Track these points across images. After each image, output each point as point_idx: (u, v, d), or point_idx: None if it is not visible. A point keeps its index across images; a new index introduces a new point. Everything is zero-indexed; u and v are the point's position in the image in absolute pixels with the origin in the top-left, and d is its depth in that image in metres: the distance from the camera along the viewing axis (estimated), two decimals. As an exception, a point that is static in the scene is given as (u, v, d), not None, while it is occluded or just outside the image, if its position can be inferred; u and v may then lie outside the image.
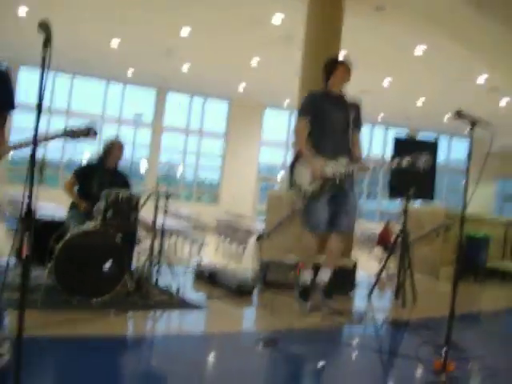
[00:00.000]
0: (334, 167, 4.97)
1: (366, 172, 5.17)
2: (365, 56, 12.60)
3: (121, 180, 6.33)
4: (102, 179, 6.02)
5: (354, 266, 7.49)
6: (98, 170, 6.15)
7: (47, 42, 2.67)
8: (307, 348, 4.81)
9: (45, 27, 2.71)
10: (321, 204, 5.06)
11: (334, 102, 5.12)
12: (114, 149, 6.27)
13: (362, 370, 4.44)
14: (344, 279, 7.24)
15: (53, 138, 3.43)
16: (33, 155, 2.73)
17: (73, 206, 6.06)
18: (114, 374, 3.81)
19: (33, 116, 2.70)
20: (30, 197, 2.70)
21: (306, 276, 5.43)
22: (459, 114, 3.76)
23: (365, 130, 22.36)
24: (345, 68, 5.12)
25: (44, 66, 2.64)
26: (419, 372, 4.28)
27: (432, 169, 7.08)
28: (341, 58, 5.46)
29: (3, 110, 3.52)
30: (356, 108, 5.21)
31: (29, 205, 2.71)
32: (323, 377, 4.29)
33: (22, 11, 12.36)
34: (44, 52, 2.66)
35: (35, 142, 2.73)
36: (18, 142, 3.38)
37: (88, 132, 3.50)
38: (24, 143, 3.37)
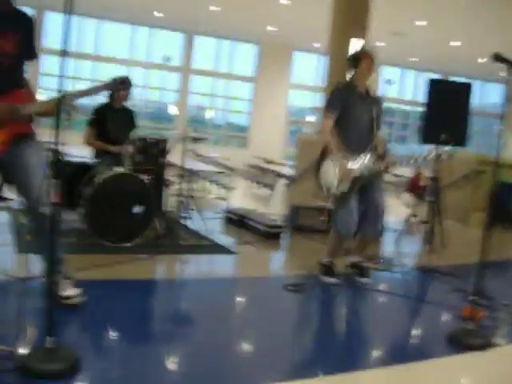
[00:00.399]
0: (361, 165, 4.79)
1: (394, 168, 4.94)
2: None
3: (128, 117, 6.28)
4: (114, 120, 6.00)
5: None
6: (108, 112, 6.08)
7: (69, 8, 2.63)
8: (334, 293, 4.85)
9: None
10: (350, 208, 4.83)
11: (359, 97, 4.96)
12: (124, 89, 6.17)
13: (388, 316, 4.46)
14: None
15: (98, 91, 3.46)
16: (59, 102, 2.71)
17: (100, 150, 6.07)
18: (146, 316, 3.90)
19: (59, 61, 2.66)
20: (56, 143, 2.69)
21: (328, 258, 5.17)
22: (497, 57, 3.63)
23: (396, 74, 22.07)
24: (369, 61, 4.93)
25: (67, 11, 2.59)
26: (447, 319, 4.29)
27: (465, 114, 6.92)
28: (364, 49, 5.18)
29: (27, 58, 3.47)
30: (378, 103, 5.07)
31: (56, 151, 2.71)
32: (349, 321, 4.33)
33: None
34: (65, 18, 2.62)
35: (61, 87, 2.69)
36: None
37: (125, 82, 3.52)
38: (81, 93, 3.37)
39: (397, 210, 9.60)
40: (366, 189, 4.86)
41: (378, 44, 17.35)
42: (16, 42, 3.30)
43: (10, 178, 3.47)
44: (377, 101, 5.08)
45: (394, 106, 23.22)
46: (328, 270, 5.04)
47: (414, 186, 11.90)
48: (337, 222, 4.93)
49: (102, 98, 6.15)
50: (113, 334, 3.41)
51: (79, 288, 3.62)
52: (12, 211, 6.25)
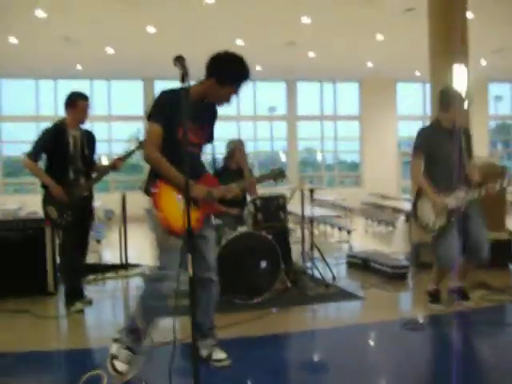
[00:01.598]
0: (455, 198, 4.90)
1: (491, 191, 4.85)
2: (493, 17, 12.03)
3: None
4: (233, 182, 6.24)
5: (510, 237, 7.23)
6: (224, 174, 6.33)
7: (185, 77, 3.05)
8: (466, 329, 4.78)
9: (181, 62, 3.01)
10: (450, 239, 4.95)
11: (445, 133, 5.04)
12: (236, 151, 6.43)
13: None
14: (500, 252, 7.01)
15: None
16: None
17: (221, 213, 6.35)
18: (284, 370, 4.03)
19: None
20: (188, 219, 2.95)
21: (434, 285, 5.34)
22: None
23: (505, 89, 21.33)
24: (458, 106, 5.02)
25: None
26: None
27: None
28: (452, 94, 5.14)
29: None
30: (466, 135, 5.12)
31: (189, 227, 2.98)
32: (484, 359, 4.25)
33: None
34: (183, 84, 3.07)
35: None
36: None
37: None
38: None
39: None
40: (464, 220, 4.96)
41: (482, 62, 17.01)
42: (208, 133, 3.91)
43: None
44: (465, 133, 5.12)
45: (508, 122, 22.45)
46: (434, 297, 5.29)
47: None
48: (439, 255, 5.07)
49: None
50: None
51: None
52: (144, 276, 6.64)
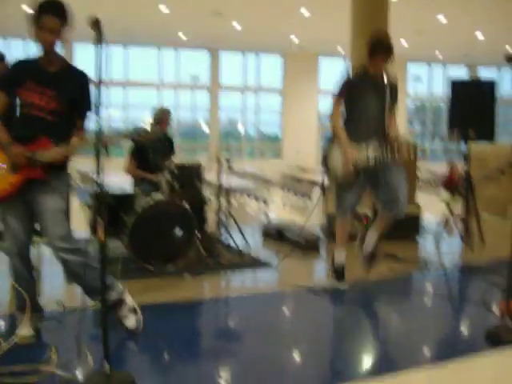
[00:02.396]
0: (366, 153, 4.78)
1: (403, 154, 4.79)
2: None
3: (168, 145, 6.55)
4: (154, 148, 6.25)
5: (419, 211, 7.52)
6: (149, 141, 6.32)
7: (99, 40, 2.94)
8: (375, 298, 4.98)
9: (98, 25, 2.93)
10: (352, 191, 4.94)
11: (368, 82, 4.90)
12: (164, 117, 6.43)
13: (426, 315, 4.57)
14: (409, 225, 7.31)
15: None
16: (99, 136, 2.93)
17: (139, 179, 6.31)
18: (196, 336, 4.08)
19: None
20: (99, 184, 2.92)
21: (340, 256, 5.18)
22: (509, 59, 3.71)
23: (423, 70, 21.97)
24: (384, 56, 4.80)
25: (99, 57, 2.84)
26: (485, 316, 4.36)
27: (491, 109, 7.00)
28: (381, 41, 4.85)
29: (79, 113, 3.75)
30: (393, 87, 4.95)
31: (100, 188, 2.94)
32: (389, 324, 4.44)
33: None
34: (96, 49, 2.91)
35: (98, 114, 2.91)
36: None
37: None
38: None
39: (434, 207, 9.64)
40: (373, 174, 4.88)
41: (402, 43, 17.42)
42: (62, 100, 3.60)
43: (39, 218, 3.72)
44: (392, 84, 4.96)
45: (425, 103, 23.14)
46: (338, 274, 5.15)
47: (449, 181, 11.86)
48: (339, 204, 5.06)
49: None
50: (165, 356, 3.60)
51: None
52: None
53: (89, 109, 3.71)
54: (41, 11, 3.44)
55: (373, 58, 4.83)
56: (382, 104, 4.87)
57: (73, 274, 3.75)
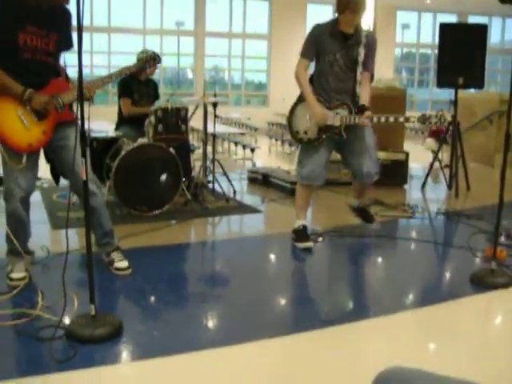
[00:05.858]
0: (336, 114, 4.46)
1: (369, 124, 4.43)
2: None
3: (153, 89, 6.49)
4: (140, 92, 6.19)
5: (406, 159, 7.51)
6: (134, 84, 6.22)
7: None
8: (360, 242, 4.99)
9: None
10: (316, 155, 4.59)
11: (340, 40, 4.48)
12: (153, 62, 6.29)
13: (411, 261, 4.59)
14: (396, 172, 7.32)
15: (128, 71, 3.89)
16: (80, 77, 2.82)
17: (122, 122, 6.22)
18: (182, 280, 4.07)
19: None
20: (82, 125, 2.84)
21: (299, 223, 4.83)
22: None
23: (412, 18, 21.69)
24: (355, 15, 4.37)
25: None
26: (471, 260, 4.39)
27: (482, 56, 6.90)
28: None
29: (65, 50, 3.65)
30: (368, 45, 4.48)
31: (82, 131, 2.87)
32: (373, 269, 4.47)
33: None
34: None
35: (80, 64, 2.80)
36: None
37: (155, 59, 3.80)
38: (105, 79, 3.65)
39: (421, 155, 9.65)
40: (344, 138, 4.53)
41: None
42: (57, 40, 3.50)
43: (54, 159, 3.79)
44: (367, 42, 4.50)
45: (413, 50, 22.90)
46: (300, 234, 4.77)
47: (436, 131, 11.87)
48: (302, 168, 4.69)
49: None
50: (152, 299, 3.59)
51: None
52: (43, 190, 6.47)
53: (71, 47, 3.63)
54: None
55: (343, 14, 4.40)
56: (354, 62, 4.49)
57: (94, 213, 3.71)
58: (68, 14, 3.59)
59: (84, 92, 2.98)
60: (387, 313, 3.37)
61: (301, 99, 4.72)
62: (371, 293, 3.93)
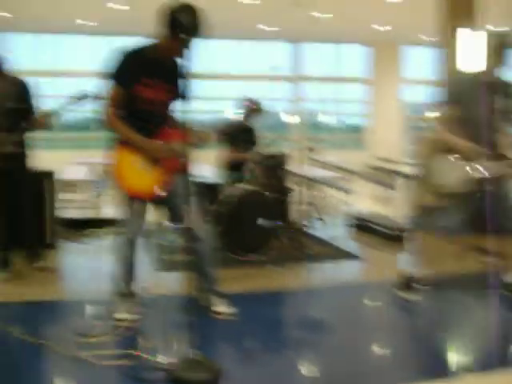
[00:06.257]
0: (495, 166, 4.01)
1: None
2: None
3: (252, 135, 6.48)
4: (238, 138, 6.28)
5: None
6: (238, 130, 6.37)
7: None
8: (464, 292, 4.80)
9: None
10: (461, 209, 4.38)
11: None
12: (256, 109, 6.42)
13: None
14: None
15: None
16: (187, 125, 2.93)
17: (223, 168, 6.36)
18: (282, 326, 4.07)
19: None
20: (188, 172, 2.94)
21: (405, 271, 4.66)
22: None
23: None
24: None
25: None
26: None
27: None
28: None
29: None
30: (504, 87, 4.12)
31: (189, 179, 2.98)
32: (478, 321, 4.27)
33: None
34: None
35: (187, 111, 2.94)
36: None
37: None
38: None
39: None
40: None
41: (493, 28, 16.74)
42: (171, 91, 3.72)
43: (166, 204, 3.96)
44: (503, 84, 4.20)
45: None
46: (407, 284, 4.58)
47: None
48: (438, 219, 4.57)
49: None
50: (251, 345, 3.60)
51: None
52: (149, 232, 6.67)
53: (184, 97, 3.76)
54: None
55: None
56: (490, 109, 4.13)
57: (201, 264, 3.87)
58: (180, 66, 3.77)
59: (197, 140, 3.17)
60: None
61: (440, 149, 4.31)
62: (480, 347, 3.73)
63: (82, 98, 4.75)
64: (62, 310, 4.37)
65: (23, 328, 3.71)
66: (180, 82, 3.71)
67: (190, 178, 3.81)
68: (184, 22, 3.48)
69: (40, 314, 4.17)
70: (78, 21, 16.39)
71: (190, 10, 3.49)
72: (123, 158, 3.62)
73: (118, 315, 3.77)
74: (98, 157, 14.09)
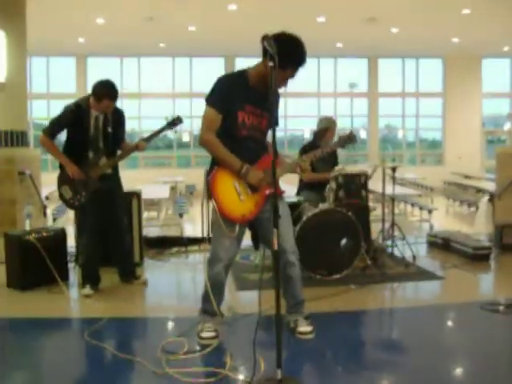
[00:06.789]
0: None
1: None
2: None
3: (332, 155, 6.50)
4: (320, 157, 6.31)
5: None
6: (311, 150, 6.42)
7: (273, 57, 3.10)
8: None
9: (269, 41, 3.07)
10: None
11: None
12: (328, 130, 6.46)
13: None
14: None
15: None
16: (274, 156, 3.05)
17: (304, 187, 6.43)
18: (362, 346, 4.08)
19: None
20: (275, 198, 3.04)
21: None
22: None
23: None
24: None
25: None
26: None
27: None
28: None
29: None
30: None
31: (275, 204, 3.06)
32: None
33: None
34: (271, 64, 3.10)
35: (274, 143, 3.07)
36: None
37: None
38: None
39: None
40: None
41: None
42: (268, 118, 3.83)
43: (257, 228, 4.05)
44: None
45: None
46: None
47: None
48: None
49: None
50: (333, 365, 3.63)
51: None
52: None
53: (278, 125, 3.90)
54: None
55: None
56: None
57: (289, 286, 3.98)
58: (277, 95, 3.90)
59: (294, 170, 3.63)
60: None
61: None
62: None
63: (175, 123, 5.16)
64: (151, 327, 4.56)
65: (114, 343, 3.91)
66: (275, 110, 3.82)
67: (286, 203, 4.03)
68: (296, 55, 3.67)
69: (129, 329, 4.36)
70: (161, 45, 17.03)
71: (300, 43, 3.67)
72: (223, 180, 3.74)
73: (205, 334, 3.88)
74: (180, 175, 14.97)
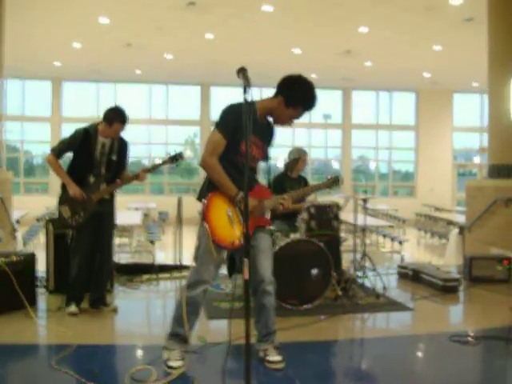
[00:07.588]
0: None
1: None
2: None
3: (304, 185, 6.56)
4: (292, 188, 6.38)
5: None
6: (286, 181, 6.57)
7: (247, 89, 3.13)
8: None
9: (244, 73, 3.12)
10: None
11: None
12: (300, 160, 6.62)
13: None
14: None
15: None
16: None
17: (276, 218, 6.45)
18: (331, 376, 4.09)
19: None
20: (246, 228, 3.05)
21: None
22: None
23: None
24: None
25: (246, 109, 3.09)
26: None
27: None
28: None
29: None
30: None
31: (247, 234, 3.07)
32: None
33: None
34: (245, 97, 3.13)
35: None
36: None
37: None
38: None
39: None
40: None
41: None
42: (266, 150, 4.03)
43: (237, 257, 4.23)
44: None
45: None
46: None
47: None
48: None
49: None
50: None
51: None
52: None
53: (269, 158, 4.12)
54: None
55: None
56: None
57: (262, 315, 4.02)
58: (273, 129, 4.09)
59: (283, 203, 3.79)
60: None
61: None
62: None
63: (177, 158, 5.37)
64: (120, 354, 4.51)
65: (82, 371, 3.85)
66: (270, 143, 4.05)
67: (269, 234, 4.10)
68: (310, 99, 3.90)
69: (98, 357, 4.29)
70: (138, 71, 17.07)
71: (314, 90, 3.89)
72: (218, 205, 3.79)
73: (173, 363, 3.85)
74: (153, 202, 14.90)
